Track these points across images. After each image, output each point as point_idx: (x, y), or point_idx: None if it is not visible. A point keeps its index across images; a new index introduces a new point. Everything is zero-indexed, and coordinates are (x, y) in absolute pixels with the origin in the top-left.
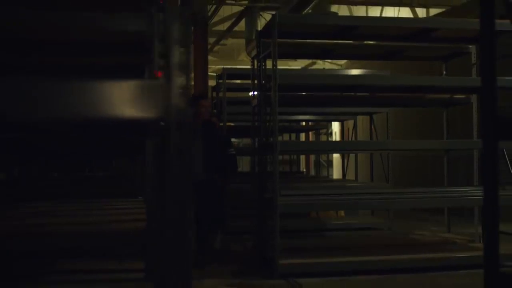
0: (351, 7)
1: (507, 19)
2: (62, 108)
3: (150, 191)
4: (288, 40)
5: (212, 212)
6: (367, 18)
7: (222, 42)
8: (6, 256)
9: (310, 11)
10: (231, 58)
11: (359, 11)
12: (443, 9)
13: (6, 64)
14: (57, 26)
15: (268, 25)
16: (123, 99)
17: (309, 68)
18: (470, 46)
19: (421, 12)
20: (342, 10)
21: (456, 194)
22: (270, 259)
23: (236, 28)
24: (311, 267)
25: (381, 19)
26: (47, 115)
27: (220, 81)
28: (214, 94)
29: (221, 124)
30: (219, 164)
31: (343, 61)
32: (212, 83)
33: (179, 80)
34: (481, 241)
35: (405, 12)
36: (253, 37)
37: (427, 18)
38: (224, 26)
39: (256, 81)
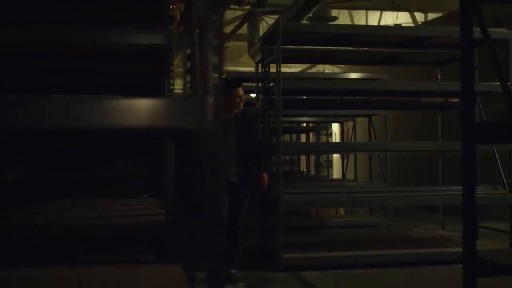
0: (352, 11)
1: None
2: (112, 121)
3: (171, 190)
4: (291, 46)
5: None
6: (366, 27)
7: (225, 44)
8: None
9: (311, 15)
10: (232, 60)
11: (359, 14)
12: (441, 14)
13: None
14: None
15: (272, 32)
16: (162, 113)
17: (308, 71)
18: None
19: (419, 16)
20: (342, 14)
21: (450, 193)
22: (274, 254)
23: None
24: (312, 261)
25: (379, 27)
26: (97, 125)
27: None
28: None
29: None
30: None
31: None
32: None
33: (212, 94)
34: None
35: (403, 16)
36: (255, 41)
37: (422, 27)
38: (227, 29)
39: (260, 84)
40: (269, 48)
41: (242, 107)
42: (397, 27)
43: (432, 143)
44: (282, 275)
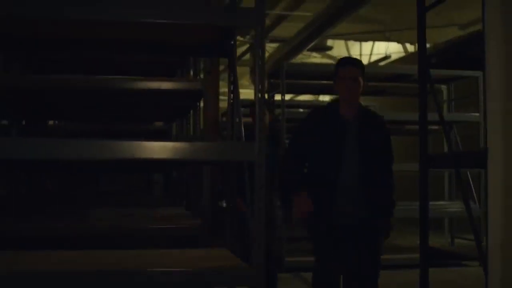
0: (347, 42)
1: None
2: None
3: (207, 202)
4: (293, 81)
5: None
6: None
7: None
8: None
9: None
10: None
11: (353, 45)
12: (428, 45)
13: None
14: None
15: (277, 69)
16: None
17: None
18: (442, 86)
19: (410, 46)
20: (338, 44)
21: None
22: (277, 257)
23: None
24: (311, 263)
25: (370, 65)
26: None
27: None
28: (225, 119)
29: None
30: None
31: None
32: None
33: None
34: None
35: (395, 46)
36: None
37: (406, 67)
38: None
39: None
40: (274, 82)
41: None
42: (385, 65)
43: (413, 164)
44: (285, 275)
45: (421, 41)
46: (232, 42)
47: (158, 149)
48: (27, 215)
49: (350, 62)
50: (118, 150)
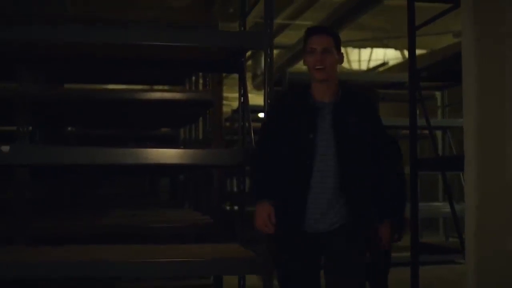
0: (346, 48)
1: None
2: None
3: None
4: None
5: None
6: (359, 74)
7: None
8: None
9: None
10: (235, 86)
11: (353, 51)
12: (425, 51)
13: None
14: None
15: (280, 77)
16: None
17: None
18: (436, 92)
19: (407, 52)
20: None
21: (425, 208)
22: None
23: None
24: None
25: (369, 74)
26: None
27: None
28: (228, 124)
29: None
30: None
31: None
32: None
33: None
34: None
35: (392, 52)
36: (258, 73)
37: (400, 75)
38: None
39: None
40: (277, 89)
41: None
42: (383, 74)
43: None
44: None
45: (411, 56)
46: (242, 59)
47: (167, 155)
48: (48, 215)
49: (319, 30)
50: (129, 156)
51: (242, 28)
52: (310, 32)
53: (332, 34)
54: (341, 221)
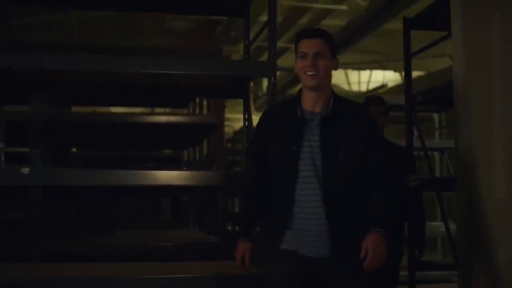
0: (346, 70)
1: None
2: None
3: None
4: None
5: None
6: (359, 96)
7: None
8: None
9: None
10: (236, 106)
11: (353, 74)
12: (423, 73)
13: None
14: None
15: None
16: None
17: None
18: (434, 114)
19: None
20: (337, 72)
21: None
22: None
23: None
24: None
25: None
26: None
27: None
28: (230, 145)
29: None
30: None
31: None
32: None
33: None
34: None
35: (391, 74)
36: (260, 94)
37: (398, 97)
38: None
39: None
40: None
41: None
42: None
43: None
44: None
45: (407, 81)
46: (246, 86)
47: (171, 177)
48: (57, 234)
49: (311, 33)
50: (135, 178)
51: (247, 56)
52: (301, 35)
53: (325, 37)
54: (327, 253)
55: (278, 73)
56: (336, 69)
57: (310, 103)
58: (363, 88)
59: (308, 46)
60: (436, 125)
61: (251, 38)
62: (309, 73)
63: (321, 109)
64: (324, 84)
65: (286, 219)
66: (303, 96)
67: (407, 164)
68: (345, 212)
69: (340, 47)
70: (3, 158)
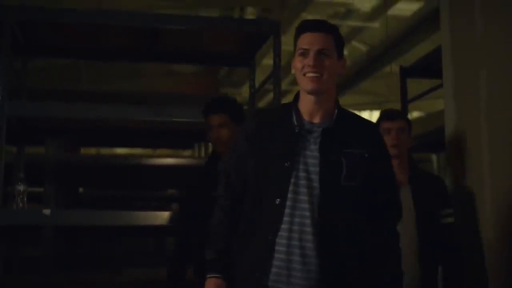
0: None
1: None
2: None
3: None
4: None
5: None
6: None
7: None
8: None
9: None
10: None
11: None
12: (422, 114)
13: None
14: None
15: None
16: None
17: None
18: (433, 155)
19: None
20: None
21: None
22: None
23: None
24: None
25: None
26: None
27: None
28: None
29: None
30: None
31: None
32: None
33: None
34: None
35: None
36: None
37: None
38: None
39: None
40: None
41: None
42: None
43: None
44: None
45: None
46: None
47: (174, 217)
48: (68, 271)
49: (315, 25)
50: (136, 219)
51: (252, 103)
52: (303, 28)
53: (331, 32)
54: None
55: None
56: (343, 72)
57: (309, 110)
58: None
59: (311, 41)
60: (435, 166)
61: (256, 87)
62: (310, 74)
63: (322, 120)
64: (327, 89)
65: (265, 262)
66: (300, 101)
67: (440, 196)
68: (342, 264)
69: (341, 89)
70: (25, 199)
